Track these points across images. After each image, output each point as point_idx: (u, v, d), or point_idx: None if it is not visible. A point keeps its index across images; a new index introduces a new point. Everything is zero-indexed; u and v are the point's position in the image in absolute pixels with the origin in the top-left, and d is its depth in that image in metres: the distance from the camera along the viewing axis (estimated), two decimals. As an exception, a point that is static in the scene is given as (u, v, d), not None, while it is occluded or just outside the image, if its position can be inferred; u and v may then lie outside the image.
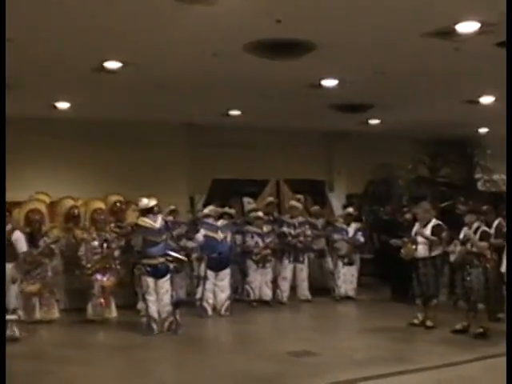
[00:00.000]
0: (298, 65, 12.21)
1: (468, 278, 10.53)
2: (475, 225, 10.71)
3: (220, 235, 13.13)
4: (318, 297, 14.85)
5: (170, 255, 11.57)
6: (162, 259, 11.28)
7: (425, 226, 11.45)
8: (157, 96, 14.59)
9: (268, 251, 14.11)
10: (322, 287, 15.47)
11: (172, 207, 14.34)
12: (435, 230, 11.35)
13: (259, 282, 14.03)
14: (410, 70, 12.94)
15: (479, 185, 22.73)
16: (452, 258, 10.93)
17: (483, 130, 21.14)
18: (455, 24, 10.16)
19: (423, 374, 8.51)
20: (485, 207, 12.48)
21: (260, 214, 14.51)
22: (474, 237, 10.53)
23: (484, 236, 10.58)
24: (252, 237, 14.12)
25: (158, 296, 11.21)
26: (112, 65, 11.94)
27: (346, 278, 14.99)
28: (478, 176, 22.40)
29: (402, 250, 11.57)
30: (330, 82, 13.87)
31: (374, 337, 10.93)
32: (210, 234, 13.08)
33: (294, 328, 12.43)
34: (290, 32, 10.40)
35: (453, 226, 11.45)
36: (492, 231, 11.40)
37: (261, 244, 14.06)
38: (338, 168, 21.38)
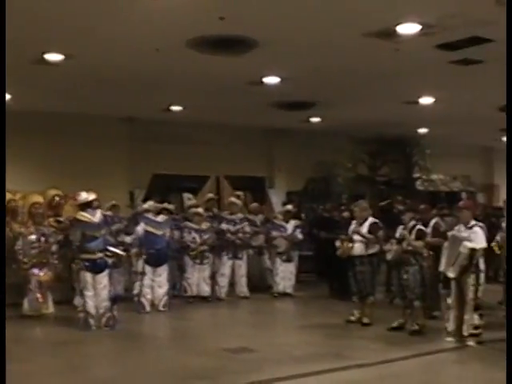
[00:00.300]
0: (240, 62, 12.22)
1: (405, 276, 10.66)
2: (411, 223, 10.85)
3: (159, 231, 13.08)
4: (257, 293, 14.89)
5: (109, 250, 11.50)
6: (100, 254, 11.20)
7: (362, 224, 11.55)
8: (98, 90, 14.46)
9: (205, 247, 14.08)
10: (260, 284, 15.51)
11: (113, 202, 14.24)
12: (372, 229, 11.46)
13: (197, 278, 14.01)
14: (351, 69, 13.05)
15: (418, 184, 23.08)
16: (389, 256, 11.06)
17: (422, 131, 21.44)
18: (396, 25, 10.26)
19: (359, 371, 8.58)
20: (422, 206, 12.65)
21: (199, 210, 14.48)
22: (409, 236, 10.67)
23: (420, 235, 10.72)
24: (190, 233, 14.08)
25: (96, 291, 11.13)
26: (53, 57, 11.78)
27: (285, 275, 15.04)
28: (416, 175, 22.73)
29: (339, 248, 11.66)
30: (271, 80, 13.91)
31: (312, 333, 11.01)
32: (150, 229, 13.03)
33: (232, 324, 12.46)
34: (233, 29, 10.39)
35: (390, 225, 11.57)
36: (429, 230, 11.59)
37: (198, 240, 14.03)
38: (279, 165, 21.45)
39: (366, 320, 11.42)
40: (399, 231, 10.90)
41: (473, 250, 9.65)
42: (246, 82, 14.07)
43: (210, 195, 15.98)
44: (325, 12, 9.62)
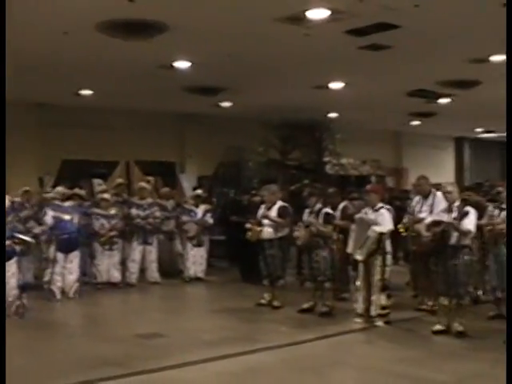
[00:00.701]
0: (151, 46, 12.13)
1: (316, 258, 10.76)
2: (317, 207, 10.96)
3: (67, 216, 12.89)
4: (168, 279, 14.82)
5: (17, 237, 11.26)
6: (8, 242, 10.96)
7: (271, 208, 11.62)
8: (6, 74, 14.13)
9: (114, 233, 13.95)
10: (171, 269, 15.46)
11: (26, 188, 13.96)
12: (281, 212, 11.54)
13: (107, 264, 13.84)
14: (261, 54, 13.09)
15: (328, 168, 23.34)
16: (299, 242, 11.15)
17: (333, 115, 21.68)
18: (306, 10, 10.33)
19: (270, 353, 8.65)
20: (331, 190, 12.79)
21: (106, 195, 14.29)
22: (316, 221, 10.76)
23: (327, 218, 10.85)
24: (98, 219, 13.91)
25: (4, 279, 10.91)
26: (-46, 39, 11.46)
27: (195, 260, 15.01)
28: (326, 159, 22.99)
29: (249, 232, 11.72)
30: (182, 64, 13.86)
31: (223, 317, 11.03)
32: (59, 215, 12.82)
33: (143, 310, 12.37)
34: (143, 12, 10.30)
35: (301, 209, 11.66)
36: (337, 213, 11.75)
37: (107, 226, 13.88)
38: (190, 150, 21.41)
39: (276, 303, 11.50)
40: (305, 215, 11.00)
41: (381, 234, 9.83)
42: (157, 67, 13.98)
43: (120, 180, 15.81)
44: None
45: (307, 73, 14.90)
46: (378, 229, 9.82)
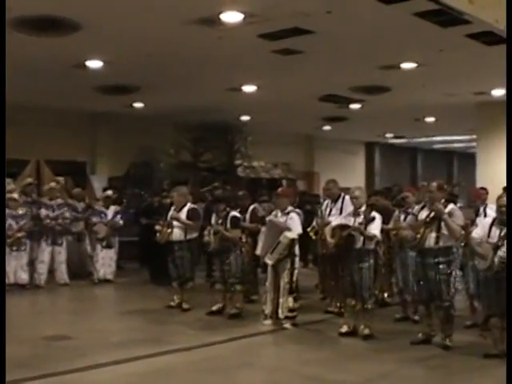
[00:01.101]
0: (63, 44, 11.94)
1: (227, 262, 10.79)
2: (224, 212, 10.98)
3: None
4: (77, 280, 14.66)
5: None
6: None
7: (180, 209, 11.61)
8: None
9: (21, 234, 13.68)
10: (80, 271, 15.28)
11: None
12: (190, 214, 11.55)
13: (14, 265, 13.58)
14: (175, 55, 13.05)
15: (239, 171, 23.41)
16: (209, 247, 11.18)
17: (245, 118, 21.76)
18: (220, 13, 10.35)
19: (179, 355, 8.65)
20: (240, 192, 12.85)
21: (14, 195, 14.02)
22: (221, 228, 10.79)
23: (234, 222, 10.89)
24: (5, 219, 13.62)
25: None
26: None
27: (105, 262, 14.88)
28: (238, 162, 23.06)
29: (158, 234, 11.69)
30: (94, 64, 13.69)
31: (132, 319, 10.97)
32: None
33: (52, 312, 12.22)
34: (55, 9, 10.14)
35: (213, 211, 11.67)
36: (247, 216, 11.83)
37: (14, 226, 13.61)
38: (101, 150, 21.18)
39: (185, 305, 11.49)
40: (213, 218, 11.03)
41: (292, 240, 9.93)
42: (70, 65, 13.78)
43: (29, 180, 15.51)
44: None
45: (220, 75, 14.93)
46: (289, 235, 9.92)
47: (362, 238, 9.23)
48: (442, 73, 14.83)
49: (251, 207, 12.23)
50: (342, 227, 9.40)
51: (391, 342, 9.29)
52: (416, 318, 10.03)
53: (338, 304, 10.72)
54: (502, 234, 7.94)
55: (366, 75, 15.17)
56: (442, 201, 8.80)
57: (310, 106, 19.19)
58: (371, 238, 9.24)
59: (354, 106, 19.50)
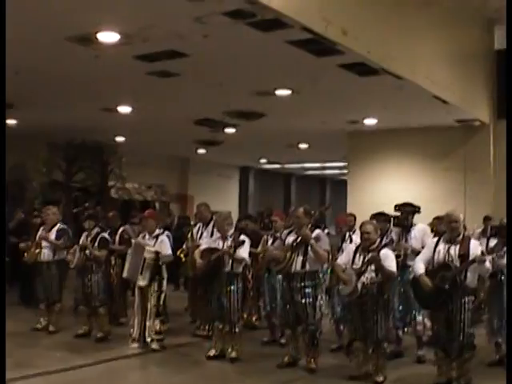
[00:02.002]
0: None
1: (89, 284, 10.67)
2: (95, 231, 10.88)
3: None
4: None
5: None
6: None
7: (50, 229, 11.40)
8: None
9: None
10: None
11: None
12: (59, 234, 11.36)
13: None
14: (50, 72, 12.85)
15: (113, 192, 23.21)
16: (71, 265, 11.02)
17: (120, 139, 21.60)
18: (97, 32, 10.28)
19: (43, 379, 8.48)
20: (111, 214, 12.74)
21: None
22: (89, 244, 10.68)
23: (102, 242, 10.79)
24: None
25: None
26: None
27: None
28: (111, 183, 22.85)
29: (26, 254, 11.44)
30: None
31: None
32: None
33: None
34: None
35: (82, 231, 11.52)
36: (117, 238, 11.76)
37: None
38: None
39: (52, 328, 11.24)
40: (83, 238, 10.90)
41: (157, 254, 9.88)
42: None
43: None
44: (24, 12, 9.36)
45: (96, 95, 14.78)
46: (152, 249, 9.89)
47: (230, 262, 9.32)
48: (315, 100, 15.16)
49: (121, 229, 12.15)
50: (211, 250, 9.47)
51: (258, 364, 9.38)
52: (283, 341, 10.14)
53: (207, 327, 10.73)
54: (365, 260, 8.17)
55: (241, 100, 15.35)
56: (309, 226, 8.97)
57: (186, 128, 19.24)
58: (240, 261, 9.34)
59: (229, 131, 19.66)
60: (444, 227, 10.63)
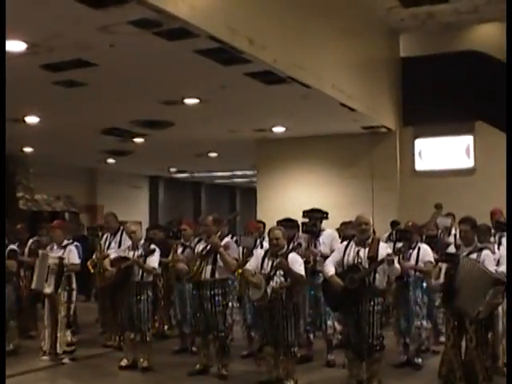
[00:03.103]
0: None
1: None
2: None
3: None
4: None
5: None
6: None
7: None
8: None
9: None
10: None
11: None
12: None
13: None
14: None
15: (21, 203, 22.80)
16: None
17: (27, 149, 21.23)
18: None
19: None
20: (18, 226, 12.59)
21: None
22: None
23: (10, 255, 10.50)
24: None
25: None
26: None
27: None
28: (19, 194, 22.46)
29: None
30: None
31: None
32: None
33: None
34: None
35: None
36: (26, 250, 11.61)
37: None
38: None
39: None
40: None
41: (61, 260, 9.74)
42: None
43: None
44: None
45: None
46: (56, 255, 9.78)
47: (140, 271, 9.32)
48: (223, 109, 15.22)
49: (30, 241, 11.99)
50: (122, 259, 9.44)
51: (170, 373, 9.40)
52: (194, 349, 10.16)
53: (117, 337, 10.67)
54: (274, 265, 8.25)
55: (150, 109, 15.29)
56: (219, 234, 9.04)
57: (94, 138, 19.04)
58: (150, 270, 9.34)
59: (138, 140, 19.54)
60: (352, 231, 10.95)
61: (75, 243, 10.31)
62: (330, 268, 8.20)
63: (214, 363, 9.18)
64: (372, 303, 8.00)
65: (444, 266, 8.13)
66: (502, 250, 8.65)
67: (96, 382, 9.04)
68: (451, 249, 8.38)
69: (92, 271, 11.30)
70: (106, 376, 9.36)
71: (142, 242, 9.59)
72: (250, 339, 10.37)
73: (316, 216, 9.92)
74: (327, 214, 10.00)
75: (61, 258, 9.79)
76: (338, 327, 9.39)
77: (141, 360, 9.45)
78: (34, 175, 21.75)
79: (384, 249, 8.12)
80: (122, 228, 10.90)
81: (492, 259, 8.14)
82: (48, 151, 21.16)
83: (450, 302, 7.97)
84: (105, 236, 11.28)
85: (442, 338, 10.07)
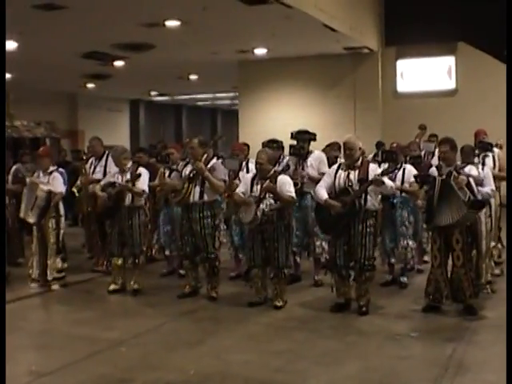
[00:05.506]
0: None
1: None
2: None
3: None
4: None
5: None
6: None
7: None
8: None
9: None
10: None
11: None
12: None
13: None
14: None
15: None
16: None
17: (6, 75, 20.95)
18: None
19: None
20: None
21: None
22: None
23: None
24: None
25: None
26: None
27: None
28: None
29: None
30: None
31: None
32: None
33: None
34: None
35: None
36: (9, 177, 11.60)
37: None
38: None
39: None
40: None
41: (49, 193, 9.72)
42: None
43: None
44: None
45: None
46: (45, 187, 9.73)
47: (130, 195, 9.30)
48: (205, 31, 15.08)
49: (13, 168, 11.91)
50: (111, 184, 9.41)
51: (160, 296, 9.43)
52: (182, 272, 10.20)
53: (105, 262, 10.68)
54: (262, 188, 8.27)
55: (130, 32, 15.12)
56: (205, 156, 8.99)
57: (73, 63, 18.85)
58: (140, 193, 9.32)
59: (118, 64, 19.36)
60: (336, 153, 10.95)
61: (60, 169, 10.21)
62: (322, 192, 8.20)
63: (202, 285, 9.25)
64: (364, 225, 8.06)
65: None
66: (486, 170, 8.74)
67: (87, 306, 9.07)
68: (433, 170, 8.40)
69: (77, 195, 11.29)
70: (97, 300, 9.39)
71: (129, 165, 9.54)
72: (237, 261, 10.42)
73: (304, 137, 9.82)
74: (315, 135, 9.89)
75: (49, 193, 9.72)
76: (326, 247, 9.45)
77: (131, 283, 9.49)
78: (14, 101, 21.49)
79: (374, 170, 8.13)
80: (107, 152, 10.84)
81: (475, 171, 8.27)
82: (27, 77, 20.92)
83: (432, 222, 8.06)
84: (90, 160, 11.22)
85: (426, 257, 10.23)
